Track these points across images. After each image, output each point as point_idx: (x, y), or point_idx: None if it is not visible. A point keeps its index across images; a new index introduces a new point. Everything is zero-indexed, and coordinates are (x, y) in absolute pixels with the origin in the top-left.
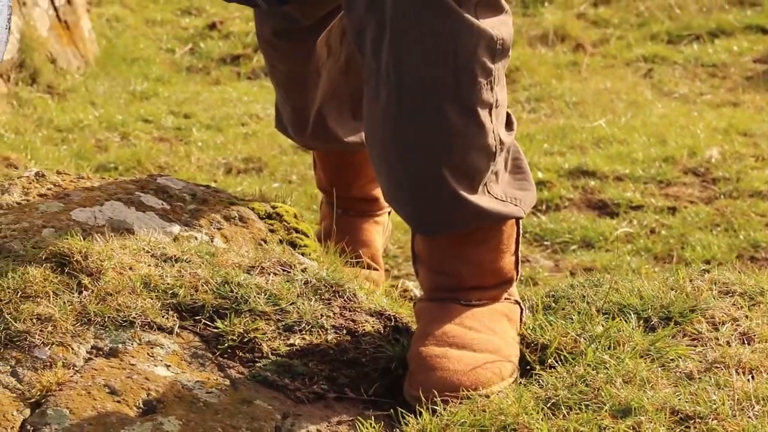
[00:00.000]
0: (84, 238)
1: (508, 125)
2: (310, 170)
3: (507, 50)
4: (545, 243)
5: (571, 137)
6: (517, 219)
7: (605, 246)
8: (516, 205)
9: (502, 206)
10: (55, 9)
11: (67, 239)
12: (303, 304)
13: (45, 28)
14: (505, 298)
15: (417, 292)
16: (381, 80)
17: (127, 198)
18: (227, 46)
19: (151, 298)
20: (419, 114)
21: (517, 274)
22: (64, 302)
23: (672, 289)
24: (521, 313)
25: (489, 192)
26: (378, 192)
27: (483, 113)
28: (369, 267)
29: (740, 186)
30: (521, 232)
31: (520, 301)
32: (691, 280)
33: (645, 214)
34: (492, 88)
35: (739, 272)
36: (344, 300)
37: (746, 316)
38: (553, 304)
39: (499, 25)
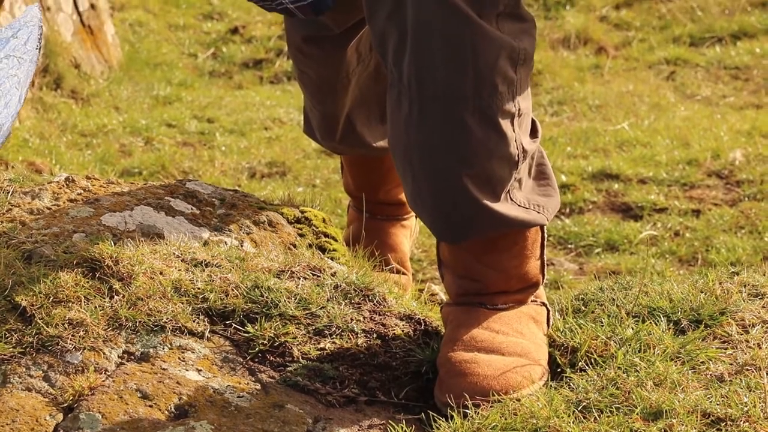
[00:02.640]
0: (114, 243)
1: (533, 132)
2: (334, 174)
3: (530, 59)
4: (569, 246)
5: (594, 140)
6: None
7: (629, 249)
8: (539, 212)
9: (525, 214)
10: (79, 14)
11: (98, 244)
12: (333, 308)
13: (69, 33)
14: (532, 301)
15: (443, 296)
16: (403, 89)
17: (156, 203)
18: (250, 50)
19: (182, 303)
20: (440, 124)
21: (543, 278)
22: (96, 307)
23: (701, 292)
24: (548, 314)
25: (512, 199)
26: (404, 196)
27: (504, 123)
28: (397, 271)
29: (764, 188)
30: (546, 236)
31: (546, 303)
32: (720, 283)
33: (669, 217)
34: (514, 98)
35: None
36: (374, 304)
37: None
38: (583, 307)
39: (521, 35)
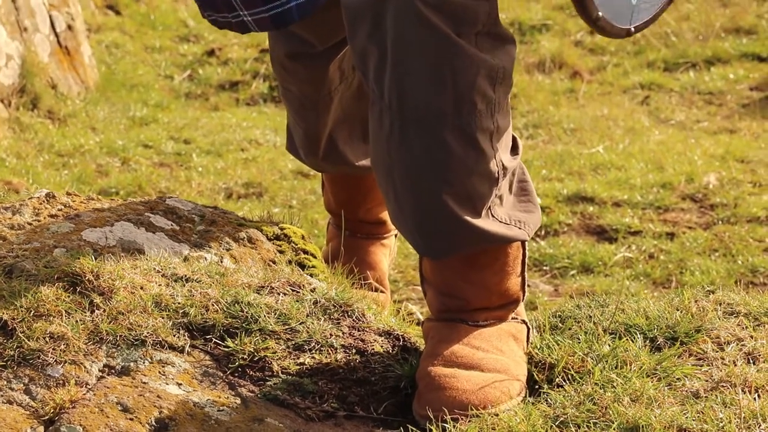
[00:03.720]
0: (95, 258)
1: (514, 149)
2: (311, 195)
3: (508, 77)
4: (544, 268)
5: (569, 163)
6: (522, 241)
7: (604, 271)
8: (520, 228)
9: (506, 230)
10: (56, 35)
11: (79, 259)
12: (312, 323)
13: (46, 54)
14: (512, 318)
15: (420, 315)
16: (384, 107)
17: (136, 219)
18: (226, 72)
19: (163, 317)
20: (421, 142)
21: (524, 295)
22: (77, 321)
23: (677, 310)
24: (528, 332)
25: (493, 216)
26: (385, 215)
27: (483, 140)
28: (376, 289)
29: (738, 212)
30: (527, 253)
31: (526, 320)
32: (696, 301)
33: (643, 240)
34: (493, 115)
35: (743, 293)
36: (353, 320)
37: (751, 337)
38: (560, 324)
39: (499, 54)
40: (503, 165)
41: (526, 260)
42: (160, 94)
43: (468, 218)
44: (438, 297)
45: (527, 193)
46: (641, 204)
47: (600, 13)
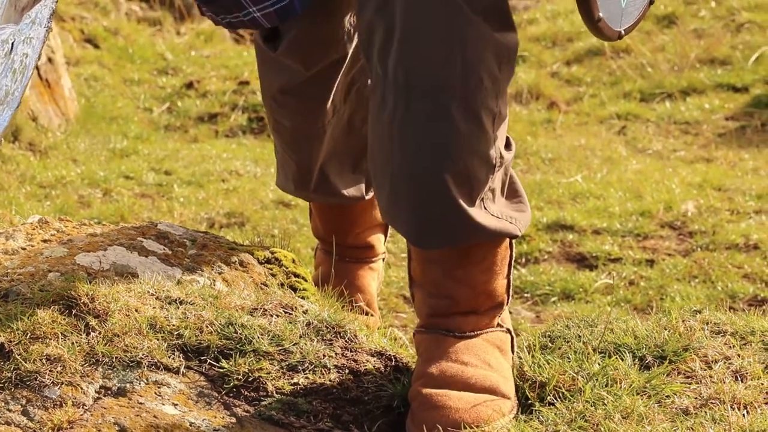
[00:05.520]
0: (89, 282)
1: (507, 145)
2: (292, 225)
3: (512, 62)
4: (525, 295)
5: (548, 192)
6: (512, 239)
7: (585, 297)
8: (512, 223)
9: (498, 223)
10: (37, 67)
11: (74, 283)
12: (306, 344)
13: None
14: (498, 325)
15: (406, 340)
16: (388, 86)
17: (129, 243)
18: (204, 104)
19: (158, 339)
20: (426, 117)
21: (509, 298)
22: (73, 343)
23: (665, 329)
24: (512, 341)
25: (485, 208)
26: (373, 239)
27: (487, 120)
28: (366, 312)
29: (716, 239)
30: (513, 255)
31: (510, 329)
32: (683, 321)
33: (623, 267)
34: (496, 97)
35: (729, 313)
36: (345, 341)
37: (738, 355)
38: (550, 344)
39: (506, 35)
40: (500, 154)
41: (512, 263)
42: (140, 127)
43: (464, 205)
44: (426, 300)
45: (518, 195)
46: (620, 232)
47: (601, 14)
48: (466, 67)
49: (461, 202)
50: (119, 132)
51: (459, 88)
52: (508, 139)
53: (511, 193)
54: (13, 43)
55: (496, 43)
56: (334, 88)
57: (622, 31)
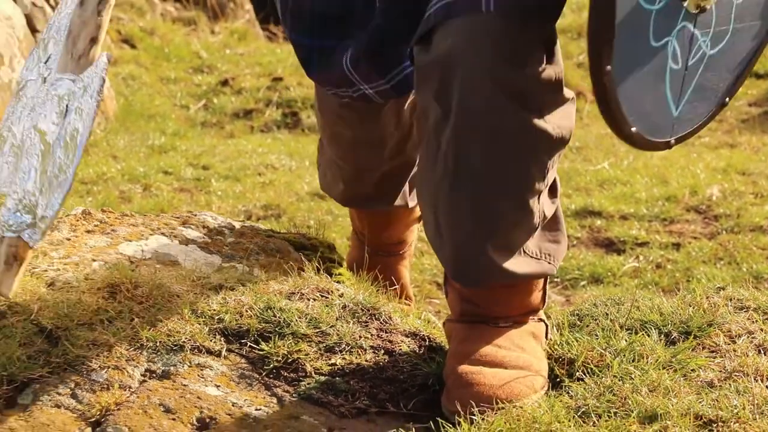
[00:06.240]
0: (132, 270)
1: (553, 191)
2: (327, 216)
3: (566, 141)
4: (556, 280)
5: (576, 180)
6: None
7: (614, 281)
8: (549, 262)
9: (536, 266)
10: None
11: (117, 271)
12: (342, 326)
13: None
14: (532, 319)
15: (438, 323)
16: (439, 158)
17: (170, 232)
18: (239, 101)
19: (199, 324)
20: (471, 201)
21: (544, 304)
22: (118, 329)
23: (690, 306)
24: (546, 330)
25: (524, 251)
26: (406, 234)
27: (533, 202)
28: (402, 298)
29: (741, 221)
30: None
31: (545, 318)
32: (707, 297)
33: (651, 250)
34: (545, 178)
35: (752, 290)
36: (380, 322)
37: (761, 329)
38: (578, 322)
39: (560, 120)
40: (544, 215)
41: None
42: (177, 123)
43: (502, 262)
44: (460, 302)
45: (557, 223)
46: (647, 216)
47: (634, 129)
48: (517, 165)
49: (501, 261)
50: (157, 129)
51: (507, 182)
52: (555, 183)
53: (552, 222)
54: (67, 106)
55: (548, 139)
56: (400, 101)
57: (672, 140)
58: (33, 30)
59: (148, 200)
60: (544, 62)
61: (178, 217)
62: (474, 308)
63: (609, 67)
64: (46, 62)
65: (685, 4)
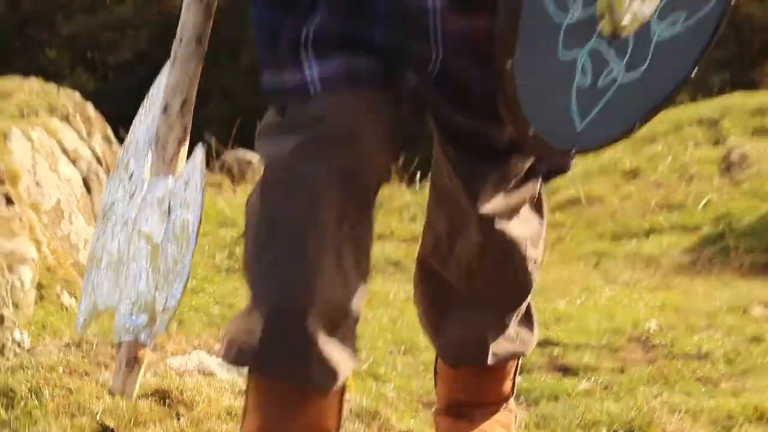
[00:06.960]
0: (178, 379)
1: (529, 319)
2: None
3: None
4: (520, 400)
5: (537, 316)
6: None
7: (569, 399)
8: (523, 345)
9: (513, 347)
10: None
11: (166, 379)
12: (349, 425)
13: None
14: (504, 407)
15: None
16: (451, 275)
17: (208, 349)
18: None
19: (234, 423)
20: (478, 314)
21: (513, 393)
22: (167, 427)
23: (632, 409)
24: (515, 418)
25: (503, 335)
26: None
27: (524, 323)
28: None
29: (674, 350)
30: (520, 362)
31: (513, 408)
32: (647, 402)
33: (600, 374)
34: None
35: (683, 395)
36: (380, 422)
37: (691, 428)
38: (542, 422)
39: (538, 228)
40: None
41: (518, 369)
42: (205, 270)
43: (490, 343)
44: (449, 393)
45: (530, 314)
46: (597, 346)
47: (533, 130)
48: (519, 289)
49: (491, 346)
50: (190, 275)
51: (510, 308)
52: (530, 309)
53: (526, 313)
54: (170, 204)
55: (536, 260)
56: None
57: (574, 150)
58: (88, 190)
59: (182, 335)
60: None
61: (215, 337)
62: (459, 396)
63: (509, 66)
64: (130, 179)
65: (599, 26)
